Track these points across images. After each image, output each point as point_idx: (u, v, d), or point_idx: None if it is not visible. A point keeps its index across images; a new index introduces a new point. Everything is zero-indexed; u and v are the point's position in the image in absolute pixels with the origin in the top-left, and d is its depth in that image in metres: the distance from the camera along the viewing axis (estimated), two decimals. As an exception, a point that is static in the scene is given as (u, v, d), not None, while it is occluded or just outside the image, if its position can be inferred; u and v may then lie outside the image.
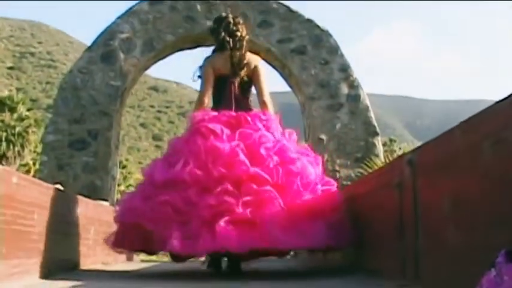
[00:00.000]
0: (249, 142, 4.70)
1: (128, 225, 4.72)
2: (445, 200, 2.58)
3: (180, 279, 4.57)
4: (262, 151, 4.65)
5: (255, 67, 5.29)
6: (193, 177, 4.53)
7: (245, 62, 5.25)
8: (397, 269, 3.29)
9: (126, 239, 4.77)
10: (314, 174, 4.75)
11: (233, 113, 4.93)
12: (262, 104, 5.23)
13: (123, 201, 5.20)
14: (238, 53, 5.24)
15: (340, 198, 4.74)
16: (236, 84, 5.20)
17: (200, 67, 5.32)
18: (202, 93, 5.24)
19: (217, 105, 5.19)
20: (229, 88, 5.18)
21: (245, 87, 5.24)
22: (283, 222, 4.33)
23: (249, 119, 4.89)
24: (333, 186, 4.94)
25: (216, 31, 5.35)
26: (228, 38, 5.26)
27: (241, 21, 5.47)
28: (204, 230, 4.32)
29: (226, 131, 4.77)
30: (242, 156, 4.58)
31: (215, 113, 4.96)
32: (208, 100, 5.25)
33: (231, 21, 5.36)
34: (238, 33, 5.32)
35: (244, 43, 5.37)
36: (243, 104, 5.13)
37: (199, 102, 5.22)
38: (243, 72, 5.22)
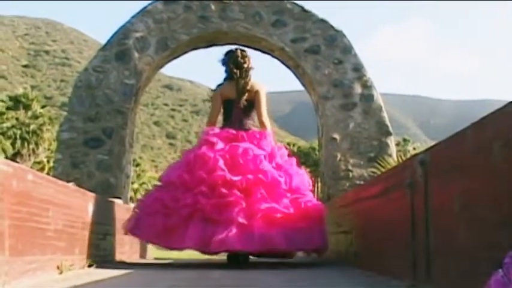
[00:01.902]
0: (233, 153, 5.67)
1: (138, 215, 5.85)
2: (457, 200, 2.60)
3: (189, 269, 5.20)
4: (241, 161, 5.62)
5: (257, 92, 6.30)
6: (181, 180, 5.60)
7: (248, 88, 6.28)
8: (407, 269, 3.30)
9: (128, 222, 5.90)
10: (286, 185, 5.65)
11: (233, 131, 5.98)
12: (261, 123, 6.25)
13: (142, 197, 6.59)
14: (242, 81, 6.29)
15: (309, 206, 5.67)
16: (240, 107, 6.24)
17: (212, 90, 6.53)
18: (211, 114, 6.38)
19: (225, 123, 6.31)
20: (234, 110, 6.25)
21: (247, 109, 6.27)
22: (240, 226, 5.19)
23: (244, 136, 5.93)
24: (306, 196, 5.82)
25: (226, 63, 6.44)
26: (235, 70, 6.32)
27: (247, 54, 6.53)
28: (181, 225, 5.37)
29: (221, 144, 5.81)
30: (221, 164, 5.55)
31: (217, 130, 6.07)
32: (216, 120, 6.37)
33: (239, 55, 6.44)
34: (245, 65, 6.37)
35: (249, 73, 6.39)
36: (244, 124, 6.18)
37: (209, 122, 6.34)
38: (245, 97, 6.24)
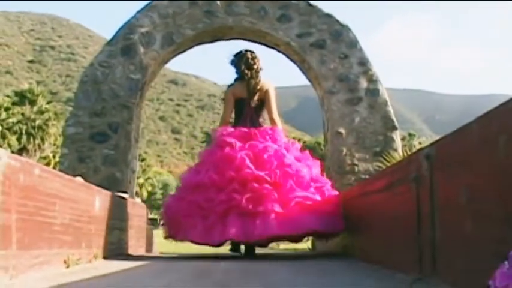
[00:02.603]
0: (255, 151, 6.07)
1: (169, 218, 6.35)
2: (462, 193, 2.60)
3: (200, 261, 5.40)
4: (265, 157, 6.02)
5: (266, 91, 6.68)
6: (211, 180, 5.94)
7: (258, 88, 6.66)
8: (413, 263, 3.31)
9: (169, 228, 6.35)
10: (308, 175, 6.11)
11: (245, 129, 6.36)
12: (271, 120, 6.66)
13: (166, 201, 7.01)
14: (253, 82, 6.65)
15: (331, 194, 6.22)
16: (251, 106, 6.64)
17: (224, 92, 6.97)
18: (225, 114, 6.77)
19: (237, 122, 6.71)
20: (245, 109, 6.65)
21: (258, 108, 6.70)
22: (278, 214, 5.69)
23: (257, 133, 6.30)
24: (327, 184, 6.36)
25: (237, 64, 6.80)
26: (246, 71, 6.69)
27: (257, 56, 6.85)
28: (218, 222, 5.75)
29: (239, 143, 6.17)
30: (248, 162, 5.94)
31: (232, 129, 6.43)
32: (229, 119, 6.77)
33: (250, 56, 6.78)
34: (255, 66, 6.73)
35: (260, 73, 6.76)
36: (256, 122, 6.60)
37: (223, 121, 6.75)
38: (256, 97, 6.65)
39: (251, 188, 5.78)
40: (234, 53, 6.94)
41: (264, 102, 6.69)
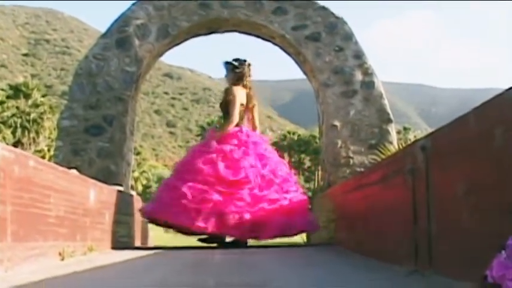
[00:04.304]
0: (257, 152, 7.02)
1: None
2: (458, 185, 2.60)
3: (194, 253, 5.08)
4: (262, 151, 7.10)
5: (254, 103, 7.40)
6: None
7: (252, 96, 7.37)
8: (409, 255, 3.31)
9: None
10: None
11: (245, 129, 7.13)
12: (255, 125, 7.42)
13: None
14: (250, 91, 7.35)
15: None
16: (247, 111, 7.33)
17: (230, 90, 7.26)
18: (234, 116, 7.08)
19: (237, 123, 7.18)
20: (244, 113, 7.28)
21: (249, 113, 7.37)
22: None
23: (250, 133, 7.16)
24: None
25: (240, 70, 7.33)
26: (249, 79, 7.36)
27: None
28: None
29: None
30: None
31: (236, 128, 7.07)
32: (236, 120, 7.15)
33: (250, 64, 7.40)
34: (251, 75, 7.41)
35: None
36: (250, 123, 7.37)
37: (233, 122, 7.08)
38: (251, 104, 7.34)
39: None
40: (236, 58, 7.45)
41: (251, 109, 7.40)
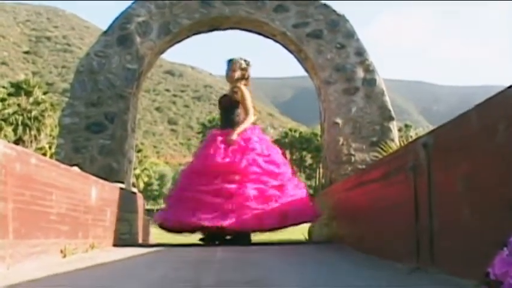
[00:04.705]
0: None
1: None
2: (460, 182, 2.59)
3: (196, 251, 5.10)
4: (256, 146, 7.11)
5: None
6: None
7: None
8: (411, 252, 3.31)
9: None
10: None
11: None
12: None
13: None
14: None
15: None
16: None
17: (237, 88, 7.32)
18: (253, 112, 7.27)
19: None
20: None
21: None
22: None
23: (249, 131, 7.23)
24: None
25: (247, 69, 7.50)
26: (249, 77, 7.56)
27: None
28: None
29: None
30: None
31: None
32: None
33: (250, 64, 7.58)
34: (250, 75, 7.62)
35: None
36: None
37: (252, 120, 7.28)
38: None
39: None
40: (246, 58, 7.59)
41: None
